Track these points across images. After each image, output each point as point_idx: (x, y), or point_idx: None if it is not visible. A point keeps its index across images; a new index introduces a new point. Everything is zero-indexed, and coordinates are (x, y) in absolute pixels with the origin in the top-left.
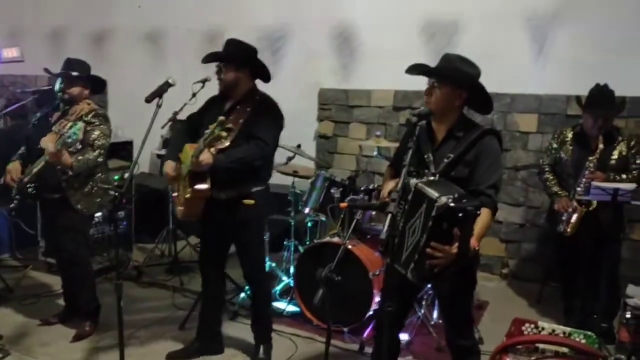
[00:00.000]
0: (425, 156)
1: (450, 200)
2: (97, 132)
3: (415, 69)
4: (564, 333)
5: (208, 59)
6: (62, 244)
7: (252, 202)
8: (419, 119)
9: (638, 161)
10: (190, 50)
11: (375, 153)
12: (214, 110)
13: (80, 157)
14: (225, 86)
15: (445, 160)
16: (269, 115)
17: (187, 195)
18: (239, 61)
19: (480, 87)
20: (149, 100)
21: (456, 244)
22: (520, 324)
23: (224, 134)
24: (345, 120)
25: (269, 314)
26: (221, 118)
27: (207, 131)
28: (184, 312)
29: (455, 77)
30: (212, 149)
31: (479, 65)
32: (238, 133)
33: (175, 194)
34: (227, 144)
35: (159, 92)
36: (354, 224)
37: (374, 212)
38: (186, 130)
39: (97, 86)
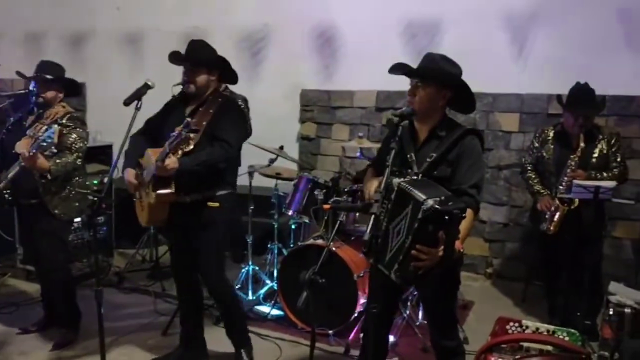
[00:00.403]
0: (408, 156)
1: (436, 202)
2: (74, 135)
3: (399, 69)
4: (548, 331)
5: (178, 59)
6: (41, 251)
7: (216, 204)
8: (401, 119)
9: (619, 159)
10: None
11: (358, 154)
12: (175, 113)
13: (58, 161)
14: (197, 89)
15: (428, 160)
16: (233, 117)
17: (151, 201)
18: (212, 64)
19: (465, 87)
20: (127, 103)
21: (441, 247)
22: (504, 323)
23: (192, 135)
24: (328, 121)
25: (240, 317)
26: (188, 119)
27: (173, 134)
28: (166, 318)
29: (440, 76)
30: (178, 152)
31: (460, 65)
32: (202, 135)
33: (137, 200)
34: (191, 147)
35: (138, 95)
36: (337, 225)
37: (357, 214)
38: (145, 135)
39: (72, 89)
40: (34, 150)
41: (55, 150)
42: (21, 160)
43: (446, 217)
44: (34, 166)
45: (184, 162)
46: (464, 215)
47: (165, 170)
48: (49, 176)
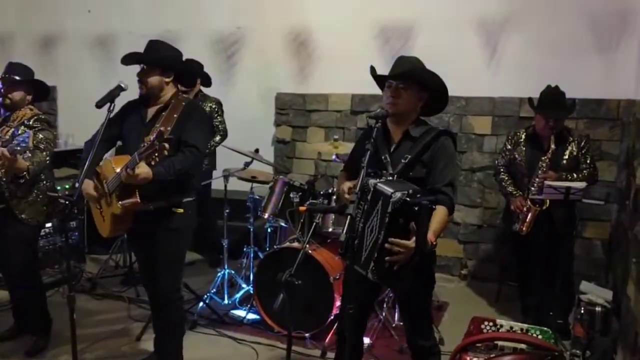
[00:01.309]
0: (383, 157)
1: (405, 195)
2: (40, 135)
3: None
4: (522, 330)
5: (130, 60)
6: (9, 257)
7: (181, 210)
8: (376, 120)
9: (588, 161)
10: None
11: (334, 157)
12: (133, 117)
13: (34, 159)
14: (148, 90)
15: (403, 161)
16: (198, 121)
17: (116, 212)
18: (165, 65)
19: (444, 88)
20: (99, 105)
21: (413, 238)
22: (479, 323)
23: (166, 145)
24: (303, 124)
25: (178, 335)
26: (161, 129)
27: (144, 144)
28: (140, 324)
29: (424, 79)
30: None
31: (433, 69)
32: (172, 140)
33: (96, 211)
34: (157, 159)
35: (111, 97)
36: (313, 227)
37: (333, 216)
38: (102, 141)
39: (41, 93)
40: (10, 153)
41: (29, 154)
42: None
43: (415, 209)
44: (13, 168)
45: (159, 172)
46: (433, 207)
47: (135, 179)
48: (27, 176)
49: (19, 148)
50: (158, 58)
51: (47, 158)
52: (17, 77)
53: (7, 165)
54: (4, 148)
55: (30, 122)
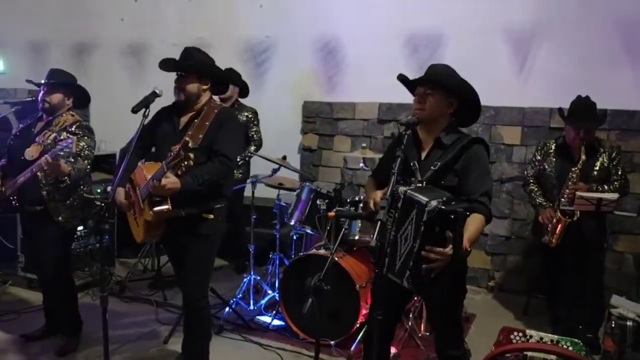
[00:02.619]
0: (412, 164)
1: (440, 203)
2: (82, 143)
3: (408, 79)
4: (552, 341)
5: (168, 66)
6: (44, 258)
7: (211, 216)
8: (406, 127)
9: (620, 172)
10: None
11: (361, 164)
12: (167, 124)
13: (75, 166)
14: (186, 97)
15: (432, 169)
16: (231, 130)
17: (148, 218)
18: (203, 72)
19: (472, 94)
20: (135, 110)
21: (450, 246)
22: (508, 333)
23: (191, 155)
24: (330, 133)
25: (204, 350)
26: (186, 139)
27: (171, 153)
28: (168, 327)
29: (450, 83)
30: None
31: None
32: (198, 149)
33: (131, 217)
34: (184, 169)
35: (146, 103)
36: (341, 235)
37: (360, 223)
38: (136, 148)
39: (81, 99)
40: (52, 157)
41: (72, 160)
42: (35, 166)
43: (451, 217)
44: (56, 170)
45: (187, 182)
46: (468, 214)
47: (162, 190)
48: (68, 180)
49: (62, 153)
50: (198, 65)
51: (88, 167)
52: (56, 80)
53: (50, 169)
54: (46, 154)
55: (73, 129)
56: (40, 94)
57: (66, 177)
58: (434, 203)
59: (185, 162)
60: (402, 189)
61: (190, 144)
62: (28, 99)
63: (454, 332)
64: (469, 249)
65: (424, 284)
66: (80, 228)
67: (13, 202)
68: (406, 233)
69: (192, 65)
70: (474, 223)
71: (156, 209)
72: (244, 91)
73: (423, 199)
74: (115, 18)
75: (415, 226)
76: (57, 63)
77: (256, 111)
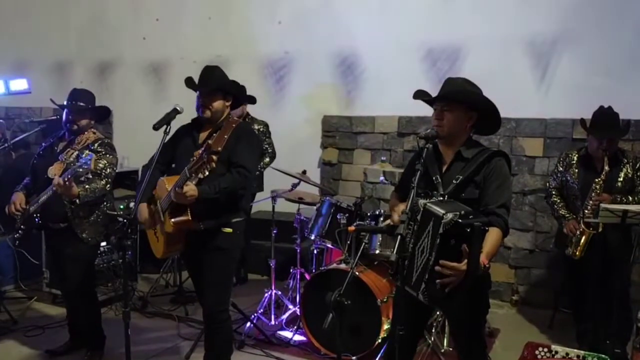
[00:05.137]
0: (434, 178)
1: (457, 216)
2: (104, 162)
3: (425, 95)
4: (578, 356)
5: (196, 85)
6: (68, 275)
7: (229, 230)
8: (426, 141)
9: None
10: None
11: (381, 178)
12: (186, 140)
13: (87, 186)
14: (212, 115)
15: (454, 182)
16: (249, 142)
17: (169, 230)
18: (228, 90)
19: (491, 107)
20: (156, 127)
21: (465, 260)
22: (533, 348)
23: (214, 157)
24: (350, 147)
25: (227, 352)
26: (208, 141)
27: (193, 158)
28: (189, 342)
29: (467, 99)
30: (195, 179)
31: (481, 89)
32: (217, 161)
33: (150, 232)
34: (206, 172)
35: (167, 120)
36: (361, 249)
37: (380, 237)
38: (158, 163)
39: (102, 115)
40: (68, 176)
41: (90, 176)
42: (53, 185)
43: (467, 230)
44: (67, 192)
45: (204, 190)
46: (486, 228)
47: (183, 198)
48: (77, 201)
49: (80, 170)
50: (224, 83)
51: (108, 186)
52: (83, 104)
53: (61, 191)
54: (60, 178)
55: (95, 146)
56: (67, 116)
57: (75, 199)
58: (450, 215)
59: (208, 165)
60: (421, 201)
61: (212, 147)
62: (53, 117)
63: (477, 348)
64: (487, 265)
65: (438, 298)
66: (103, 244)
67: (37, 220)
68: (423, 245)
69: (219, 84)
70: (491, 238)
71: (176, 219)
72: (252, 100)
73: (440, 211)
74: (137, 37)
75: (431, 239)
76: (81, 82)
77: (267, 124)
